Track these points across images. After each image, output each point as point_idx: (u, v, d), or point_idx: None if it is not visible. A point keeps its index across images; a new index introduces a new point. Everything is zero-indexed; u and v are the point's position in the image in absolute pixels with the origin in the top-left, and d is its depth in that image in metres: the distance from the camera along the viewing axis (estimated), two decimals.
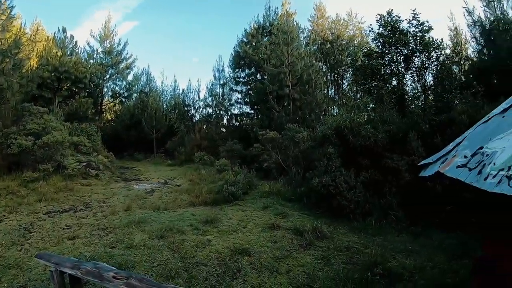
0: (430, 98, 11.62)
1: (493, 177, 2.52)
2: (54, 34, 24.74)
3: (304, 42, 26.50)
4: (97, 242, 6.85)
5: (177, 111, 29.12)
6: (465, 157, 3.07)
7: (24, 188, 11.00)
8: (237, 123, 25.35)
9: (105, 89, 28.56)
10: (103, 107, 28.88)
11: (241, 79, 25.97)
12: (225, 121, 26.93)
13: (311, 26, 28.74)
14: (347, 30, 27.82)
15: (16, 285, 5.01)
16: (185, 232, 7.41)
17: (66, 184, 11.95)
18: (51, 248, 6.44)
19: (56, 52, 21.46)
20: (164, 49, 64.63)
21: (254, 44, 24.03)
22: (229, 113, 26.65)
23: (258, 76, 24.36)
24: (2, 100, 13.15)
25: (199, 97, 30.02)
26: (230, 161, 15.77)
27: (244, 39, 25.01)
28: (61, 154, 13.14)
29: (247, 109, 25.89)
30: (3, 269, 5.52)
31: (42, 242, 6.89)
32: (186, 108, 29.87)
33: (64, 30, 24.67)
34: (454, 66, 13.05)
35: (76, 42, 25.34)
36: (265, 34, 24.70)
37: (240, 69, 25.77)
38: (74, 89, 22.68)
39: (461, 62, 13.79)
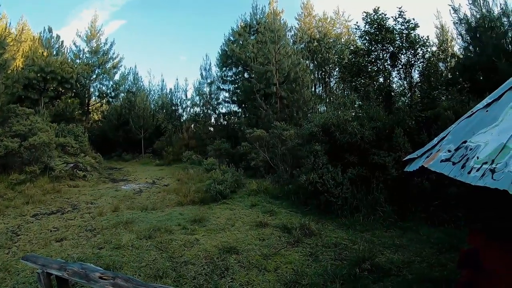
0: (417, 94, 11.68)
1: (477, 170, 2.54)
2: (40, 34, 24.60)
3: (291, 40, 26.63)
4: (84, 244, 6.79)
5: (164, 110, 29.13)
6: (449, 151, 3.09)
7: (11, 190, 10.91)
8: (225, 122, 25.27)
9: (91, 89, 28.40)
10: (90, 107, 28.67)
11: (228, 78, 25.88)
12: (212, 120, 26.95)
13: (298, 24, 28.97)
14: (334, 28, 28.09)
15: None
16: (173, 231, 7.38)
17: (53, 186, 11.85)
18: (39, 251, 6.37)
19: (42, 52, 21.36)
20: (151, 47, 64.54)
21: (241, 42, 23.97)
22: (217, 112, 26.63)
23: (246, 75, 24.26)
24: None
25: (186, 96, 30.22)
26: (218, 160, 15.77)
27: (231, 38, 24.93)
28: (48, 155, 13.00)
29: (234, 107, 25.87)
30: None
31: (30, 244, 6.80)
32: (173, 108, 29.91)
33: (50, 30, 24.51)
34: (440, 63, 13.14)
35: (62, 42, 25.20)
36: (252, 33, 24.70)
37: (227, 68, 25.66)
38: (61, 90, 22.56)
39: (447, 59, 13.88)
